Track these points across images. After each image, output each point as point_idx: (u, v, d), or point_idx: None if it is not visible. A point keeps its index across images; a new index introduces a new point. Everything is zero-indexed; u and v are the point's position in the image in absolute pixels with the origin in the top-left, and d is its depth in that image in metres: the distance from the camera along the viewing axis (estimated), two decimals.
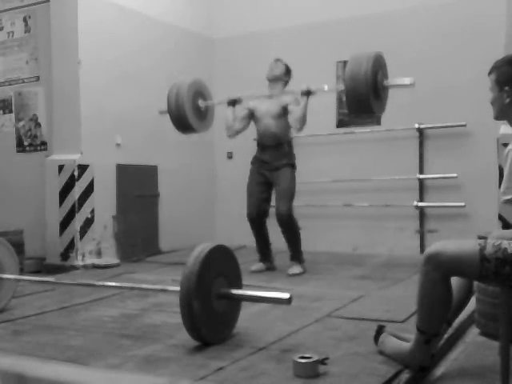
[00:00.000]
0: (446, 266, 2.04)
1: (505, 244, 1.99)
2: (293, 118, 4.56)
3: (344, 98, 6.20)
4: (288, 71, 4.84)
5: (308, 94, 4.50)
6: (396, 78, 4.12)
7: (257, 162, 4.83)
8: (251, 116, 4.84)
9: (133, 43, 5.75)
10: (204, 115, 4.85)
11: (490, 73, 2.29)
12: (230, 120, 4.80)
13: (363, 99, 3.90)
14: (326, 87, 4.48)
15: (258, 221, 4.79)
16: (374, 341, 2.46)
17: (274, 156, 4.72)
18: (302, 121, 4.52)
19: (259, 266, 4.82)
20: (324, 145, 6.29)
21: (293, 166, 4.80)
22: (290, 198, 4.71)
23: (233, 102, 4.83)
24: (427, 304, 2.12)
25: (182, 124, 4.69)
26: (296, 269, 4.65)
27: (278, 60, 4.84)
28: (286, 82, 4.84)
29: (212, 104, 4.86)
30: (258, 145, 4.84)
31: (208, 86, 4.86)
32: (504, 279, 1.99)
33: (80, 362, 2.40)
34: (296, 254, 4.76)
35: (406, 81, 4.05)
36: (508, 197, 2.15)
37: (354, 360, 2.35)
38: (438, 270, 2.05)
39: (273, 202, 4.80)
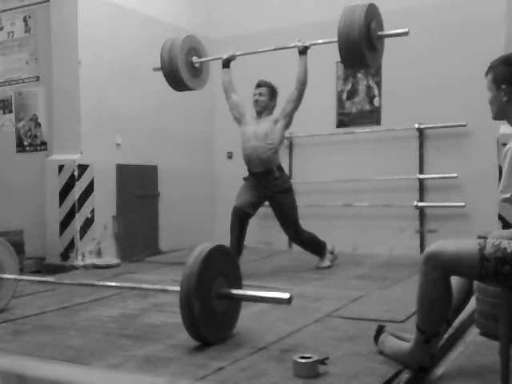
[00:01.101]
0: (445, 265, 2.05)
1: (504, 243, 1.99)
2: (297, 80, 4.48)
3: (344, 98, 6.24)
4: (272, 95, 4.67)
5: (305, 50, 4.45)
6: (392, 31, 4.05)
7: (251, 179, 4.67)
8: (238, 117, 4.72)
9: (133, 43, 5.75)
10: (199, 72, 4.79)
11: (486, 73, 2.30)
12: (226, 83, 4.76)
13: (356, 49, 3.80)
14: (320, 41, 4.39)
15: (240, 219, 4.55)
16: (374, 341, 2.46)
17: (267, 182, 4.57)
18: (306, 81, 4.48)
19: None
20: (324, 145, 6.29)
21: (289, 190, 4.67)
22: (295, 223, 4.69)
23: (227, 63, 4.77)
24: (427, 303, 2.12)
25: (176, 81, 4.63)
26: (323, 263, 4.82)
27: (259, 86, 4.66)
28: (273, 107, 4.70)
29: (206, 60, 4.82)
30: (248, 170, 4.69)
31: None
32: (504, 279, 1.99)
33: (80, 362, 2.40)
34: (319, 254, 4.87)
35: (401, 30, 3.97)
36: (506, 195, 2.15)
37: (354, 360, 2.35)
38: (438, 269, 2.05)
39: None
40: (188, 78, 4.67)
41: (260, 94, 4.64)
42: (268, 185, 4.58)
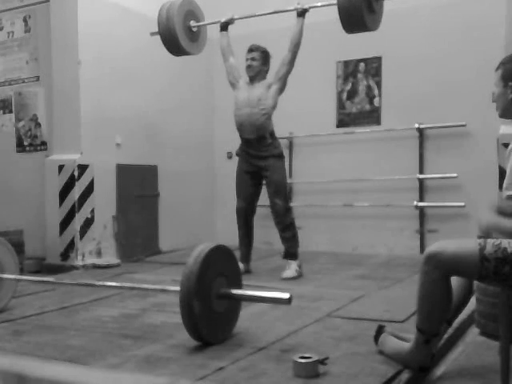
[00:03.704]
0: (445, 265, 2.04)
1: (505, 243, 1.99)
2: (290, 42, 4.45)
3: (344, 98, 6.24)
4: (265, 60, 4.60)
5: (303, 13, 4.42)
6: None
7: (242, 152, 4.66)
8: (232, 81, 4.68)
9: (133, 43, 5.75)
10: (196, 36, 4.77)
11: (497, 69, 2.29)
12: (224, 46, 4.71)
13: (356, 11, 3.81)
14: (319, 3, 4.37)
15: (245, 217, 4.65)
16: (374, 341, 2.46)
17: (259, 148, 4.52)
18: (299, 43, 4.45)
19: (240, 266, 4.57)
20: (324, 145, 6.29)
21: (280, 156, 4.59)
22: (284, 191, 4.56)
23: (225, 26, 4.73)
24: (427, 304, 2.12)
25: (173, 45, 4.61)
26: (290, 272, 4.42)
27: (251, 51, 4.59)
28: (267, 71, 4.64)
29: (204, 24, 4.79)
30: (241, 137, 4.64)
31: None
32: (504, 279, 1.99)
33: (80, 362, 2.40)
34: (292, 252, 4.51)
35: None
36: (510, 192, 2.14)
37: (354, 360, 2.35)
38: (438, 269, 2.05)
39: (264, 199, 4.73)
40: (185, 42, 4.65)
41: (252, 59, 4.57)
42: (260, 151, 4.52)
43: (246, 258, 4.70)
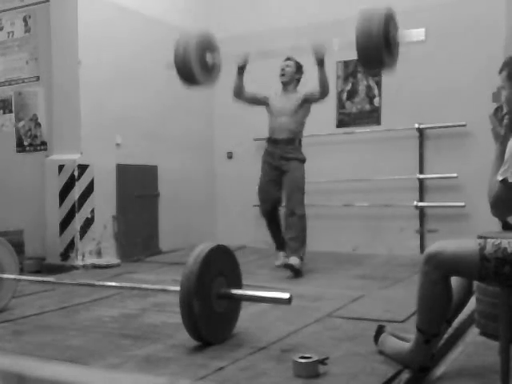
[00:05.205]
0: (445, 265, 2.04)
1: (505, 243, 1.99)
2: (320, 89, 4.61)
3: (344, 98, 6.24)
4: (299, 69, 4.88)
5: (322, 62, 4.50)
6: (408, 32, 4.09)
7: (268, 154, 4.85)
8: (262, 103, 4.89)
9: (133, 43, 5.75)
10: (211, 69, 4.83)
11: (500, 70, 2.21)
12: (237, 83, 4.79)
13: (376, 56, 3.80)
14: (336, 46, 4.48)
15: (271, 215, 4.84)
16: (374, 341, 2.46)
17: (285, 149, 4.74)
18: (327, 85, 4.61)
19: (281, 258, 4.81)
20: (324, 145, 6.29)
21: (303, 161, 4.80)
22: (302, 193, 4.72)
23: (241, 70, 4.81)
24: (427, 304, 2.12)
25: (189, 79, 4.65)
26: (294, 260, 4.45)
27: (287, 59, 4.86)
28: (298, 80, 4.89)
29: (220, 60, 4.84)
30: (269, 140, 4.86)
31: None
32: (504, 279, 1.99)
33: (80, 362, 2.40)
34: (300, 249, 4.57)
35: (420, 36, 3.99)
36: (500, 177, 2.06)
37: (354, 360, 2.35)
38: (438, 269, 2.05)
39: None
40: (202, 77, 4.68)
41: (287, 66, 4.84)
42: (286, 152, 4.73)
43: (282, 245, 4.83)
